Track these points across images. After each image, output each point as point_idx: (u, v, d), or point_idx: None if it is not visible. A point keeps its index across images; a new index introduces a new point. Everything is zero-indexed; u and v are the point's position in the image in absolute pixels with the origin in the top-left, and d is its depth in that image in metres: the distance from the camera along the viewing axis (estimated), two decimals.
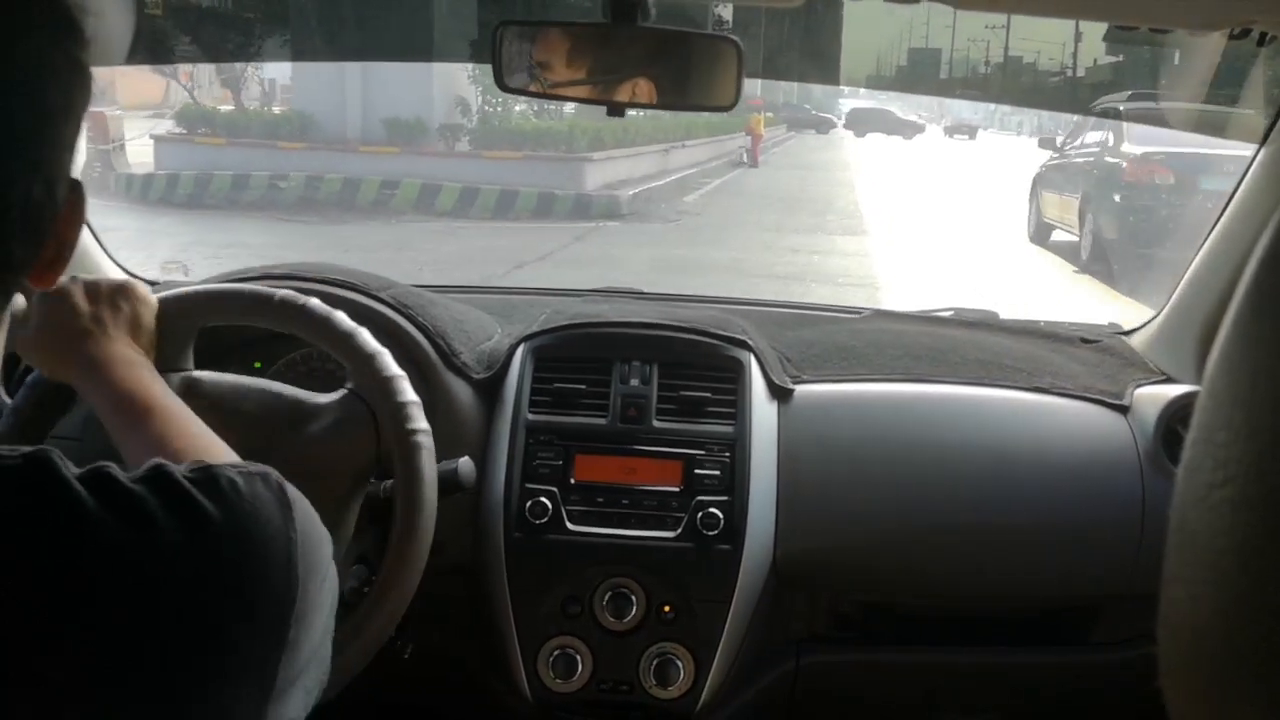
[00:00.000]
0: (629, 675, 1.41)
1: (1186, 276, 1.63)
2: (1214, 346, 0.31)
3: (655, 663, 1.40)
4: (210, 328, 1.30)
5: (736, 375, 1.50)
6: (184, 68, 17.45)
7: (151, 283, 1.78)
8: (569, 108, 17.13)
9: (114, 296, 1.14)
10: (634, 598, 1.41)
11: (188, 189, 13.87)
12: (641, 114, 18.16)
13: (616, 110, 1.39)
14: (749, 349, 1.53)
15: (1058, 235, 10.31)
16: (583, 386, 1.49)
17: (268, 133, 15.81)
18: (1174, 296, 1.65)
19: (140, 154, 14.94)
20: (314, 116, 15.88)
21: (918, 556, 1.47)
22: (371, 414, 1.22)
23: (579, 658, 1.41)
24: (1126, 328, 1.80)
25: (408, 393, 1.21)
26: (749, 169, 20.02)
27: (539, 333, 1.54)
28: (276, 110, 17.43)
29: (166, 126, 16.04)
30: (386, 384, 1.21)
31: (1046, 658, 1.56)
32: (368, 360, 1.21)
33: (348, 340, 1.22)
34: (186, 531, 0.60)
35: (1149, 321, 1.73)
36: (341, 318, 1.23)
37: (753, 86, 25.00)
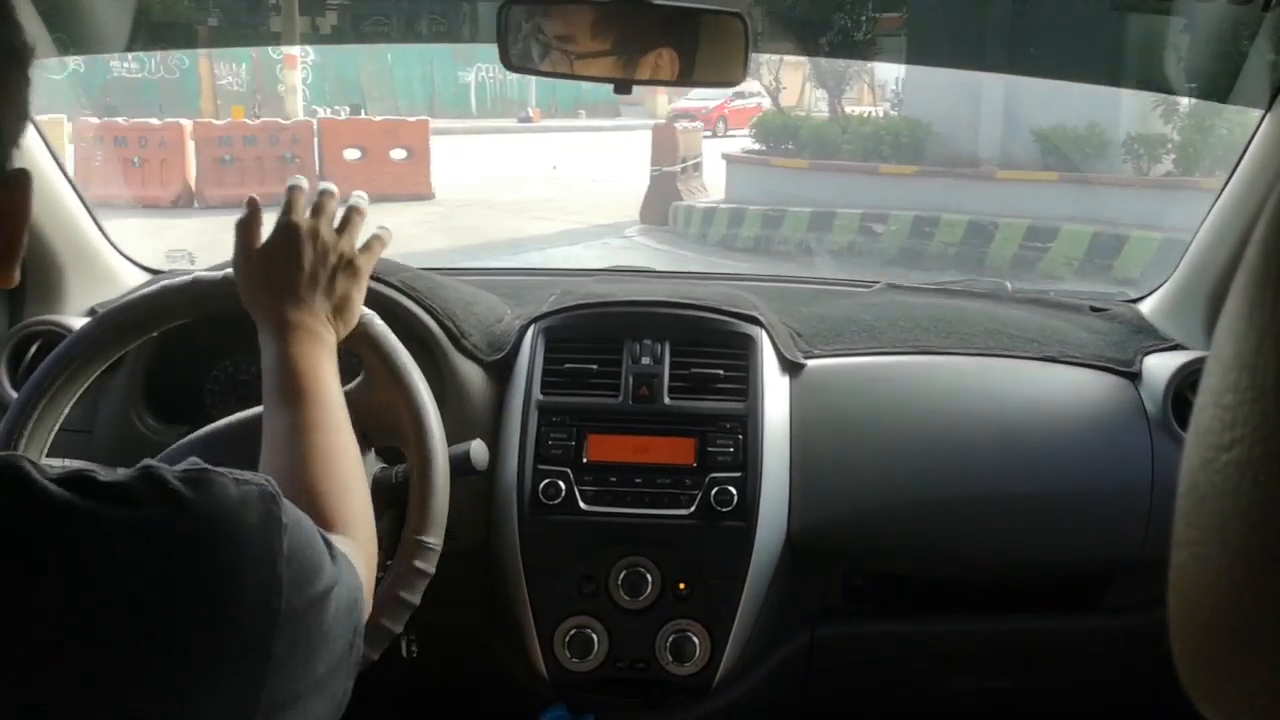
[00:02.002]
0: (645, 653, 1.41)
1: (1194, 243, 1.63)
2: (1221, 312, 0.31)
3: (671, 639, 1.41)
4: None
5: (748, 351, 1.50)
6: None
7: (155, 271, 1.77)
8: None
9: (338, 269, 1.12)
10: (649, 576, 1.41)
11: (753, 229, 10.26)
12: None
13: (623, 87, 1.39)
14: (760, 325, 1.52)
15: None
16: (594, 366, 1.49)
17: (867, 151, 11.22)
18: (1182, 263, 1.66)
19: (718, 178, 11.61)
20: (931, 126, 10.95)
21: (931, 528, 1.48)
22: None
23: (595, 636, 1.41)
24: (1134, 295, 1.80)
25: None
26: None
27: (549, 313, 1.54)
28: (888, 116, 12.51)
29: (744, 142, 12.58)
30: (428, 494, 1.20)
31: (1060, 624, 1.57)
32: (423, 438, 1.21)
33: (411, 400, 1.22)
34: (165, 517, 0.59)
35: (1157, 288, 1.74)
36: (414, 378, 1.22)
37: None
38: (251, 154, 11.91)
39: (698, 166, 11.62)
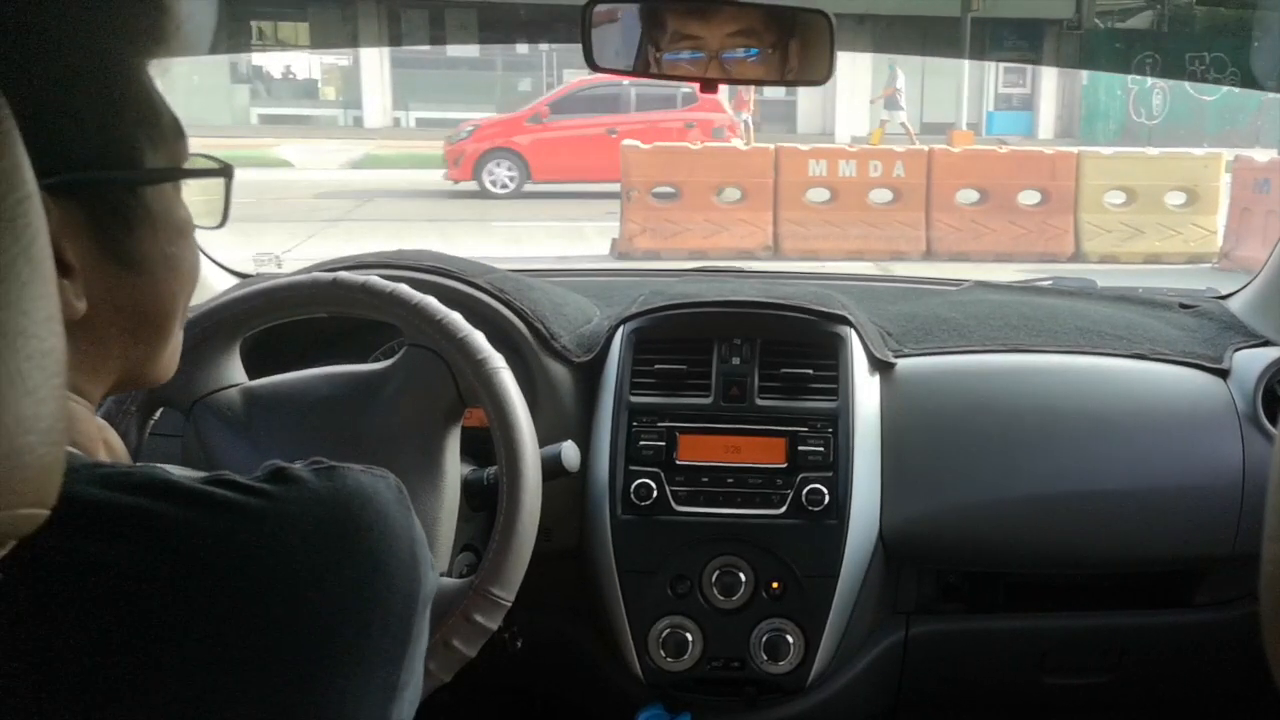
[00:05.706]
0: (739, 652, 1.42)
1: None
2: None
3: (765, 639, 1.41)
4: (312, 322, 1.30)
5: (837, 351, 1.50)
6: None
7: (245, 275, 1.79)
8: None
9: None
10: (742, 576, 1.41)
11: None
12: None
13: (710, 87, 1.39)
14: (849, 324, 1.52)
15: None
16: (684, 367, 1.49)
17: None
18: (1271, 260, 1.65)
19: None
20: None
21: (1023, 525, 1.48)
22: (438, 355, 1.19)
23: (689, 636, 1.41)
24: (1223, 292, 1.79)
25: (465, 326, 1.19)
26: None
27: (638, 314, 1.54)
28: None
29: None
30: (441, 326, 1.18)
31: (1152, 619, 1.57)
32: (430, 321, 1.19)
33: (413, 309, 1.20)
34: (315, 506, 0.60)
35: (1247, 285, 1.73)
36: (405, 290, 1.20)
37: None
38: None
39: None
